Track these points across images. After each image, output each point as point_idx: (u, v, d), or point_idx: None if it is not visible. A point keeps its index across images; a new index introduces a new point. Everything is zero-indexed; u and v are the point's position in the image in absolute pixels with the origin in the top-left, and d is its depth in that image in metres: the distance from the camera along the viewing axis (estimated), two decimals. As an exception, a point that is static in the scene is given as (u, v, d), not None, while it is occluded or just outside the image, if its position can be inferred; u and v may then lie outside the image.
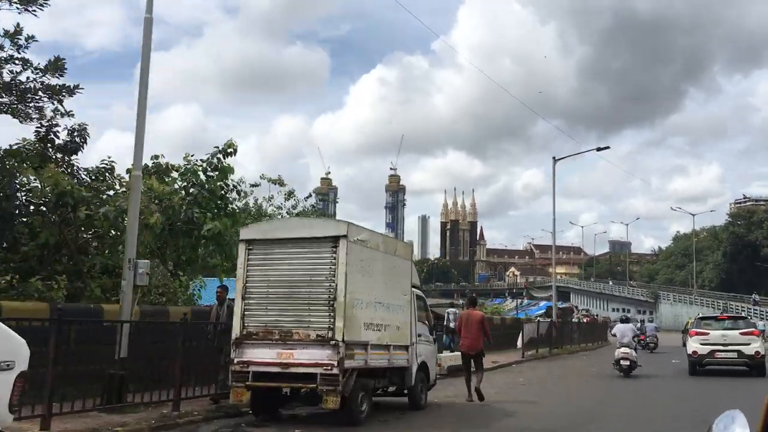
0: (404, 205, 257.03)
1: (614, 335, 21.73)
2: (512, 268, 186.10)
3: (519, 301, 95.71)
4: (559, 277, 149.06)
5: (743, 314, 42.66)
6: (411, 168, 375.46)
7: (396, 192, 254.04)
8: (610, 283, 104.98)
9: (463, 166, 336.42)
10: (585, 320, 43.63)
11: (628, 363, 19.17)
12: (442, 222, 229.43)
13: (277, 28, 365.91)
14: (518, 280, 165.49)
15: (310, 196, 30.91)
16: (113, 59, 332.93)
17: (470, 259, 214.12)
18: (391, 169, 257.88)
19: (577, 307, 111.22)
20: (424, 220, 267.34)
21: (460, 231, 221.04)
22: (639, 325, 35.50)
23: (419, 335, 12.22)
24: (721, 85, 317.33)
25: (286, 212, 29.41)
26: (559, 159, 29.35)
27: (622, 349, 19.45)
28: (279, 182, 28.76)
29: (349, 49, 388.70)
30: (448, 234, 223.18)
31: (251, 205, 28.81)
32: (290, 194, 29.74)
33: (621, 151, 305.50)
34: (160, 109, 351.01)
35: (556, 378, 19.95)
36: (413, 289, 12.06)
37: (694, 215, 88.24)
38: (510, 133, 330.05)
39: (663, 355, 30.76)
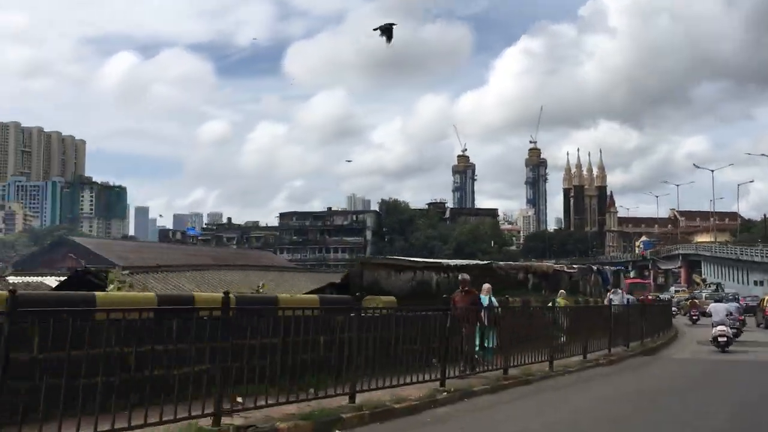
0: (546, 180, 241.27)
1: (703, 314, 24.99)
2: (643, 237, 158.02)
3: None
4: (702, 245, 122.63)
5: None
6: (561, 142, 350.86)
7: (536, 166, 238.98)
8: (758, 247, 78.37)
9: (618, 138, 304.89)
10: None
11: (725, 339, 19.67)
12: (564, 188, 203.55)
13: (416, 8, 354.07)
14: (648, 252, 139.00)
15: None
16: (263, 54, 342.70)
17: (599, 230, 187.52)
18: (530, 142, 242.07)
19: (704, 280, 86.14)
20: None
21: (585, 198, 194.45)
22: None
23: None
24: None
25: None
26: None
27: (718, 327, 20.08)
28: None
29: (490, 24, 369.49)
30: (572, 202, 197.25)
31: None
32: None
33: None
34: (307, 98, 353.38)
35: None
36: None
37: None
38: (669, 99, 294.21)
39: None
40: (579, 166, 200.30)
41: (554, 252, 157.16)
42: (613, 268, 32.40)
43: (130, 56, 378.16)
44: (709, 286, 75.01)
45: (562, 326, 15.20)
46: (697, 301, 40.38)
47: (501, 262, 17.98)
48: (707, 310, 25.56)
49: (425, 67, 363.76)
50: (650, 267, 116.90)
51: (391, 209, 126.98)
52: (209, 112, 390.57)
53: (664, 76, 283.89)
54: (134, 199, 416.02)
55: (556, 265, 24.02)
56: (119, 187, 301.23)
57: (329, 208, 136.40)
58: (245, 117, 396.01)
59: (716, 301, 25.59)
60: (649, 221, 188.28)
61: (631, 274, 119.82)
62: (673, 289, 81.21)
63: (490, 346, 12.39)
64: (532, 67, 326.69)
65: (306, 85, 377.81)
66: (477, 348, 12.14)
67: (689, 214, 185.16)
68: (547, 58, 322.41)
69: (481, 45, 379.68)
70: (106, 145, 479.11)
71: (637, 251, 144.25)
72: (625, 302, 18.44)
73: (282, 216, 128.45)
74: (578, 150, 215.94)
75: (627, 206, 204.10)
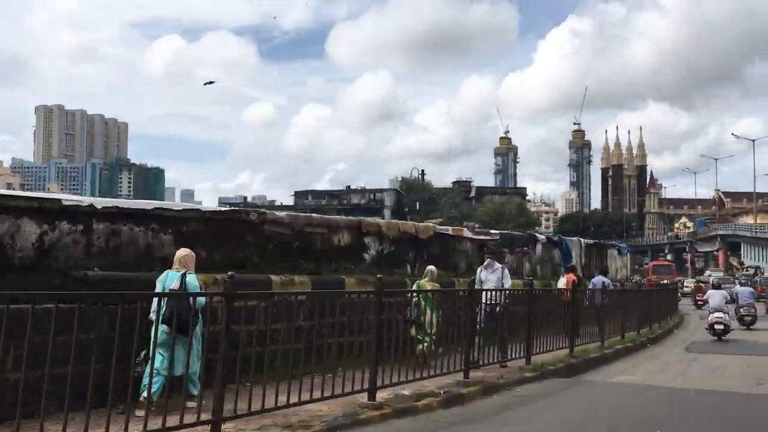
0: (590, 162, 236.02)
1: (706, 302, 21.76)
2: (683, 219, 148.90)
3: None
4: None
5: None
6: (608, 124, 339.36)
7: (580, 149, 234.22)
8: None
9: (667, 119, 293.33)
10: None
11: (722, 327, 18.64)
12: (602, 168, 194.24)
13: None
14: (686, 234, 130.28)
15: None
16: (307, 37, 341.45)
17: (638, 211, 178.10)
18: (574, 124, 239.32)
19: (742, 264, 78.59)
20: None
21: (624, 177, 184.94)
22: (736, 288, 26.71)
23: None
24: None
25: None
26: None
27: (716, 314, 18.97)
28: None
29: (537, 4, 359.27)
30: (609, 182, 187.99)
31: None
32: None
33: None
34: (352, 81, 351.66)
35: None
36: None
37: None
38: (721, 78, 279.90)
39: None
40: (618, 144, 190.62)
41: (590, 234, 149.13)
42: (583, 241, 25.23)
43: (176, 39, 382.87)
44: (747, 270, 68.02)
45: (426, 326, 9.72)
46: (702, 285, 36.64)
47: (282, 213, 10.90)
48: (705, 297, 23.94)
49: (470, 48, 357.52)
50: (688, 249, 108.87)
51: (412, 187, 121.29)
52: (254, 95, 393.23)
53: (716, 54, 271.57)
54: (180, 182, 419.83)
55: (438, 226, 15.60)
56: (157, 168, 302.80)
57: (348, 186, 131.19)
58: (290, 100, 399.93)
59: (714, 286, 22.56)
60: (692, 202, 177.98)
61: (668, 257, 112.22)
62: (708, 272, 74.26)
63: (182, 372, 6.27)
64: (579, 47, 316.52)
65: (350, 68, 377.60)
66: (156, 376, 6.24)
67: (735, 195, 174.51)
68: (595, 37, 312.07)
69: (528, 25, 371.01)
70: (153, 129, 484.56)
71: (674, 232, 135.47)
72: (506, 283, 11.71)
73: (297, 194, 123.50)
74: (617, 128, 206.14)
75: (672, 189, 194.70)
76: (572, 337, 12.10)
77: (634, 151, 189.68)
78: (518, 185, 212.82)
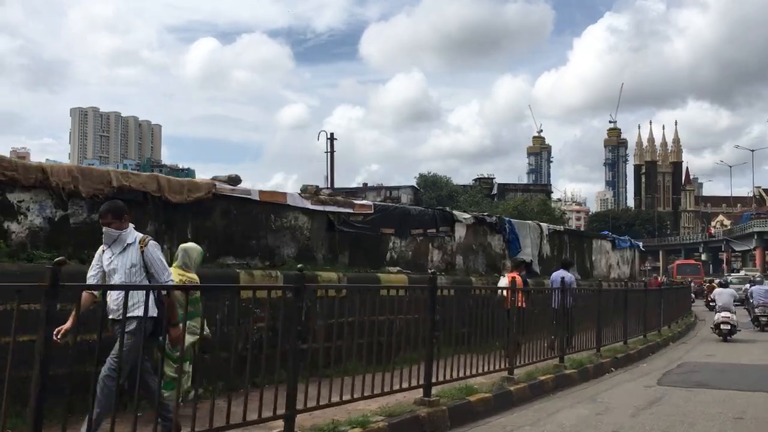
0: (626, 161, 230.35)
1: (714, 301, 20.55)
2: (720, 217, 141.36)
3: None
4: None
5: None
6: (644, 122, 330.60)
7: (616, 147, 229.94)
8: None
9: (708, 117, 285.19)
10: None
11: (728, 327, 18.04)
12: (635, 165, 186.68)
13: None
14: (721, 232, 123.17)
15: None
16: (340, 39, 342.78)
17: (673, 209, 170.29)
18: (609, 122, 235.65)
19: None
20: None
21: (658, 174, 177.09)
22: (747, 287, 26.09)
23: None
24: None
25: None
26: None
27: (723, 313, 18.41)
28: None
29: (573, 1, 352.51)
30: (643, 179, 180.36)
31: None
32: None
33: None
34: (384, 82, 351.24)
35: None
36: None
37: None
38: (764, 75, 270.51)
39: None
40: (651, 140, 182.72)
41: (622, 233, 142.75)
42: (546, 226, 19.34)
43: (211, 42, 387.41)
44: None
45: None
46: (715, 285, 32.39)
47: None
48: (712, 296, 22.40)
49: (504, 47, 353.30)
50: (723, 248, 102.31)
51: (430, 184, 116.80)
52: (288, 97, 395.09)
53: (758, 51, 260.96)
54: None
55: (226, 185, 8.84)
56: (187, 169, 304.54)
57: (365, 184, 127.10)
58: (322, 101, 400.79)
59: (721, 285, 21.38)
60: (731, 200, 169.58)
61: (703, 257, 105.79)
62: (742, 272, 68.59)
63: None
64: (616, 44, 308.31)
65: (382, 69, 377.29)
66: None
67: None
68: (632, 34, 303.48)
69: (563, 23, 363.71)
70: (187, 131, 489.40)
71: (714, 231, 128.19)
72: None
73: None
74: (650, 123, 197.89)
75: (711, 187, 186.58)
76: (428, 369, 7.49)
77: (669, 147, 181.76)
78: (552, 185, 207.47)
